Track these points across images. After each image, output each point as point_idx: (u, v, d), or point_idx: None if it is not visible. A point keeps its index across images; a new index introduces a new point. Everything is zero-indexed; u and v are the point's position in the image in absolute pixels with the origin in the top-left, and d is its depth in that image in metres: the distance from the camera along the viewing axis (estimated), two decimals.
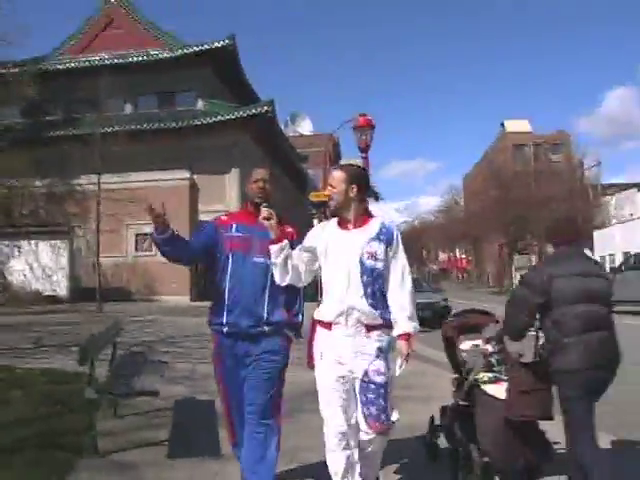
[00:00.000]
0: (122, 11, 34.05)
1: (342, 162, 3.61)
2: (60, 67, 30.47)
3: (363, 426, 3.27)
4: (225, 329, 3.52)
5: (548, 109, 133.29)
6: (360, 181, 3.39)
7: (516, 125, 67.10)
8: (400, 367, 3.28)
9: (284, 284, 3.43)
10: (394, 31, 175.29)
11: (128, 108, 32.28)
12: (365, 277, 3.25)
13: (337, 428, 3.26)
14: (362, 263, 3.26)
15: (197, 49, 30.53)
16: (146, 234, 27.50)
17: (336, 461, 3.29)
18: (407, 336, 3.30)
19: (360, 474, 3.34)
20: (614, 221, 43.88)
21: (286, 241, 3.38)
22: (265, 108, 28.67)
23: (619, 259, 36.92)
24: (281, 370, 3.61)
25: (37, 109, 28.34)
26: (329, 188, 3.42)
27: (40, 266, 26.39)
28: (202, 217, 26.58)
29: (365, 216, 3.42)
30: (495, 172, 53.37)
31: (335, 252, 3.34)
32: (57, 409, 5.77)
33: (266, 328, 3.52)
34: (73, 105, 32.79)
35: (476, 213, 55.40)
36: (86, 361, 4.47)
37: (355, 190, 3.35)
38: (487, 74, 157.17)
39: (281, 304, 3.57)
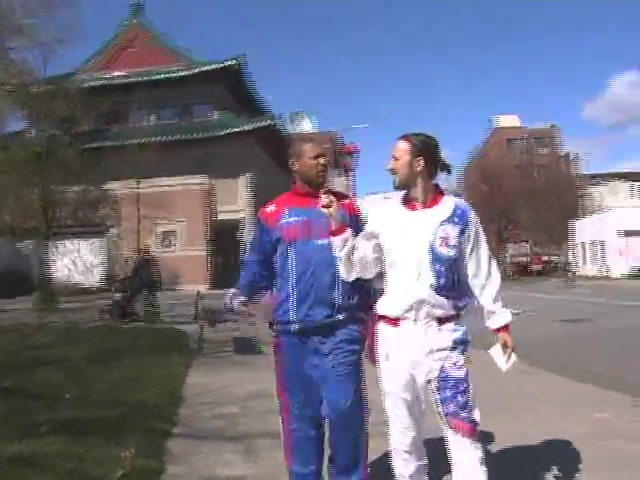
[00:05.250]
0: (141, 32, 38.49)
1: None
2: (92, 84, 34.22)
3: (445, 428, 2.84)
4: (294, 327, 3.14)
5: (539, 102, 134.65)
6: (428, 153, 2.92)
7: (506, 120, 69.78)
8: (507, 362, 2.89)
9: (351, 280, 3.07)
10: (382, 35, 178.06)
11: (152, 120, 36.57)
12: (437, 265, 2.82)
13: (401, 445, 2.92)
14: (433, 250, 2.82)
15: (210, 67, 34.79)
16: (169, 232, 32.10)
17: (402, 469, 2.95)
18: (507, 328, 2.93)
19: None
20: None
21: (349, 231, 3.00)
22: (269, 122, 33.13)
23: (588, 247, 41.17)
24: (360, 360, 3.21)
25: (69, 122, 32.29)
26: (392, 161, 2.96)
27: (82, 262, 30.52)
28: (219, 217, 30.95)
29: (435, 194, 2.96)
30: (484, 168, 56.60)
31: (401, 237, 2.88)
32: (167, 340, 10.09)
33: (341, 317, 3.13)
34: (101, 118, 37.01)
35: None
36: (197, 308, 8.91)
37: (422, 163, 2.89)
38: (480, 66, 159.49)
39: (352, 285, 3.14)
